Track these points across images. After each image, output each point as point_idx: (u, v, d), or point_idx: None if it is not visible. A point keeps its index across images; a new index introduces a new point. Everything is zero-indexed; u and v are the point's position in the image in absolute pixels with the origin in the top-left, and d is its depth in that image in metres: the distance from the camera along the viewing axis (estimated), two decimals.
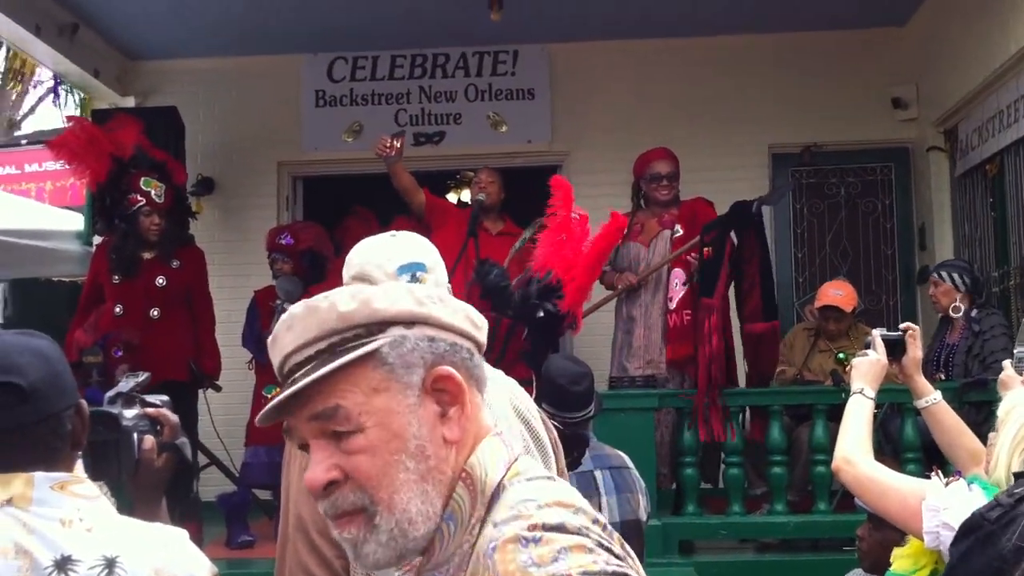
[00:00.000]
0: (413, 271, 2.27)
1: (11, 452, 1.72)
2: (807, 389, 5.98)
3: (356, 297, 1.29)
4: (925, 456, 5.62)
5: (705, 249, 5.91)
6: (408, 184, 6.57)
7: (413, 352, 1.28)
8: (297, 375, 1.26)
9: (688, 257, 6.15)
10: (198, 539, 1.91)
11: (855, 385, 2.91)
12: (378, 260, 2.28)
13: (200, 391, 6.32)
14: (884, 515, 2.74)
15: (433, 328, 1.31)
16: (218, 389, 6.45)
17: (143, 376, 2.19)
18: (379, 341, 1.27)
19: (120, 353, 5.70)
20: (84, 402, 1.84)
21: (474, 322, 1.37)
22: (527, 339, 5.18)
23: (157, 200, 5.99)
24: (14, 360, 1.73)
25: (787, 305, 8.04)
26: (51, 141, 6.63)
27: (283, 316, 1.32)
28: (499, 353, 5.14)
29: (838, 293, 6.28)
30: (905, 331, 3.07)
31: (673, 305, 6.14)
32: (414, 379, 1.28)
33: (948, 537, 2.33)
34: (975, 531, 2.04)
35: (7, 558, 1.64)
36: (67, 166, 6.42)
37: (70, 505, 1.73)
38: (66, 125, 6.58)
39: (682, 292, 6.11)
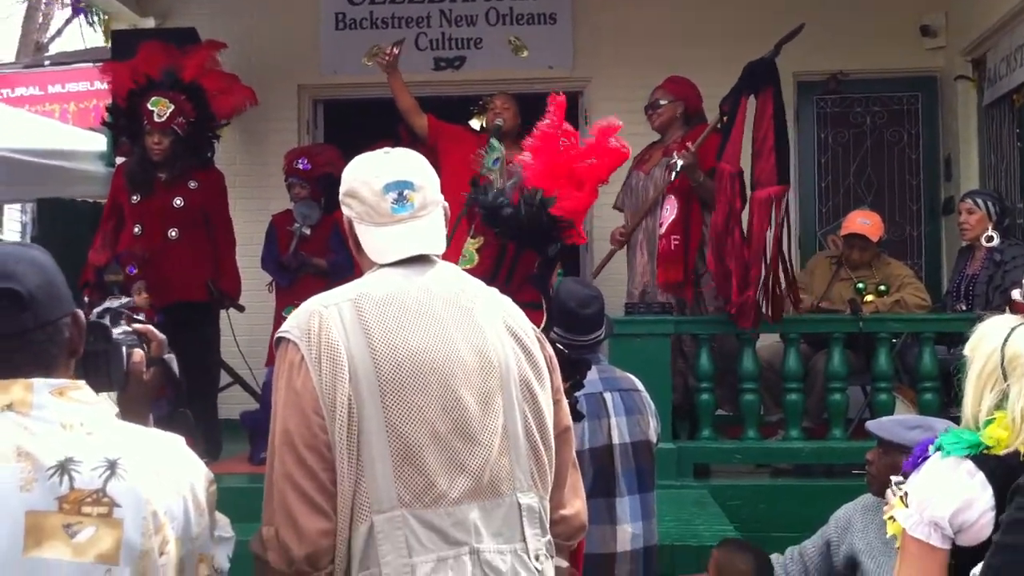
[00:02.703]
0: (400, 189, 2.25)
1: (10, 358, 1.74)
2: (825, 317, 5.97)
3: None
4: (943, 385, 5.62)
5: (724, 118, 5.84)
6: (409, 105, 6.55)
7: None
8: None
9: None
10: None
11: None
12: (365, 177, 2.27)
13: (223, 311, 6.38)
14: None
15: None
16: (241, 309, 6.51)
17: (125, 300, 2.22)
18: None
19: (135, 270, 5.74)
20: (80, 312, 1.86)
21: None
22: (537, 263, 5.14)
23: (158, 119, 5.96)
24: (11, 268, 1.75)
25: (810, 234, 8.01)
26: (108, 62, 6.72)
27: None
28: (506, 276, 5.13)
29: (865, 222, 6.23)
30: None
31: (663, 230, 6.09)
32: None
33: (939, 518, 2.31)
34: None
35: (9, 462, 1.66)
36: (102, 82, 6.45)
37: (70, 409, 1.75)
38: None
39: (672, 216, 6.05)
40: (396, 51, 6.41)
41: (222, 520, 2.02)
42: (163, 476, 1.77)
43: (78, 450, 1.70)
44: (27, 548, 1.63)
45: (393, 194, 2.24)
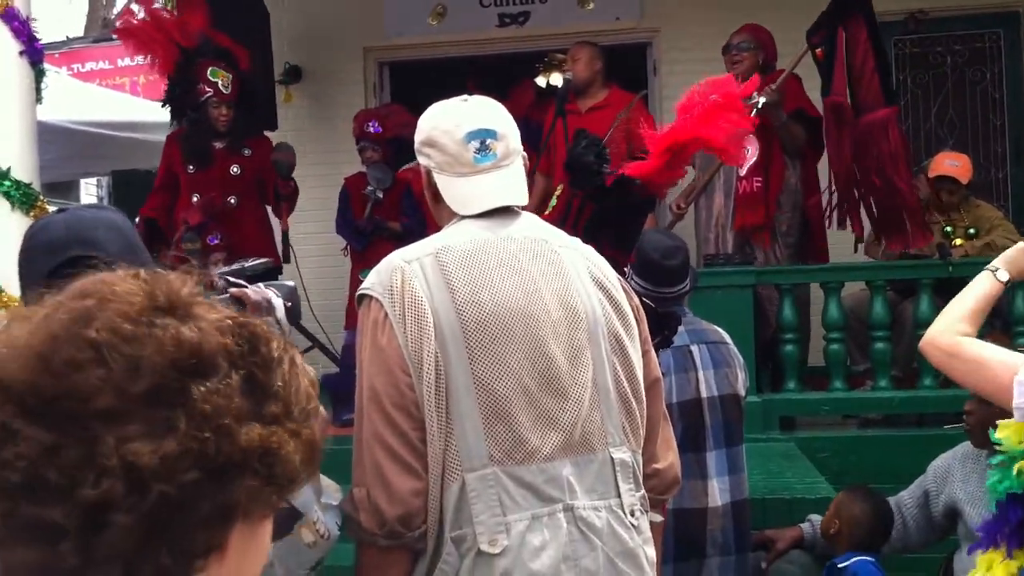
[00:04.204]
0: (483, 138, 2.18)
1: None
2: (913, 263, 5.78)
3: None
4: None
5: (817, 51, 5.65)
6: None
7: None
8: None
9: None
10: None
11: (993, 263, 2.73)
12: (446, 126, 2.19)
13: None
14: (976, 392, 2.60)
15: None
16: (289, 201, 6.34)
17: (258, 261, 2.17)
18: None
19: (216, 241, 5.79)
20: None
21: None
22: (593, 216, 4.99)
23: (224, 91, 5.98)
24: (91, 234, 1.72)
25: None
26: (117, 28, 6.56)
27: None
28: (572, 225, 5.02)
29: (954, 164, 6.01)
30: None
31: (743, 171, 5.93)
32: None
33: None
34: None
35: None
36: (138, 56, 6.36)
37: None
38: (132, 10, 6.44)
39: (754, 158, 5.89)
40: None
41: (330, 487, 1.97)
42: None
43: None
44: None
45: (475, 143, 2.17)
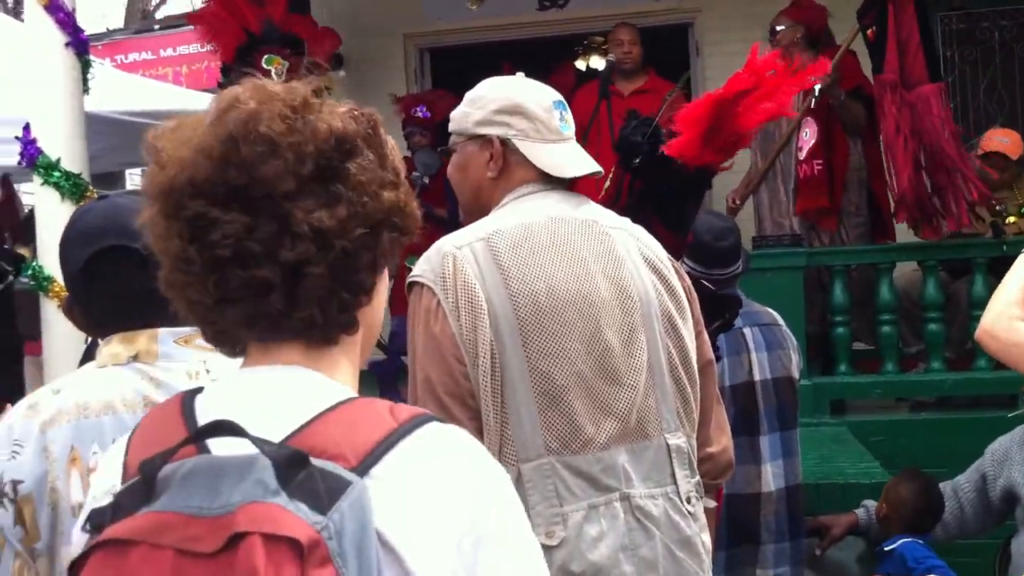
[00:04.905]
0: (561, 109, 2.23)
1: (136, 311, 1.73)
2: (965, 243, 5.67)
3: None
4: None
5: (869, 31, 5.55)
6: None
7: None
8: None
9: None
10: None
11: None
12: (531, 95, 2.22)
13: None
14: None
15: None
16: None
17: None
18: None
19: None
20: None
21: None
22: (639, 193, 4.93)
23: (276, 78, 5.91)
24: (127, 224, 1.71)
25: None
26: (192, 13, 6.58)
27: None
28: (623, 207, 4.97)
29: (1004, 140, 5.94)
30: None
31: (803, 155, 5.84)
32: None
33: None
34: None
35: (136, 412, 1.64)
36: (205, 44, 6.35)
37: (195, 358, 1.73)
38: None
39: (812, 140, 5.80)
40: None
41: None
42: None
43: None
44: None
45: (558, 112, 2.22)
